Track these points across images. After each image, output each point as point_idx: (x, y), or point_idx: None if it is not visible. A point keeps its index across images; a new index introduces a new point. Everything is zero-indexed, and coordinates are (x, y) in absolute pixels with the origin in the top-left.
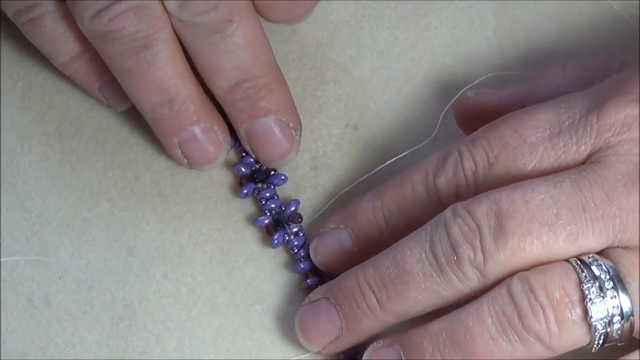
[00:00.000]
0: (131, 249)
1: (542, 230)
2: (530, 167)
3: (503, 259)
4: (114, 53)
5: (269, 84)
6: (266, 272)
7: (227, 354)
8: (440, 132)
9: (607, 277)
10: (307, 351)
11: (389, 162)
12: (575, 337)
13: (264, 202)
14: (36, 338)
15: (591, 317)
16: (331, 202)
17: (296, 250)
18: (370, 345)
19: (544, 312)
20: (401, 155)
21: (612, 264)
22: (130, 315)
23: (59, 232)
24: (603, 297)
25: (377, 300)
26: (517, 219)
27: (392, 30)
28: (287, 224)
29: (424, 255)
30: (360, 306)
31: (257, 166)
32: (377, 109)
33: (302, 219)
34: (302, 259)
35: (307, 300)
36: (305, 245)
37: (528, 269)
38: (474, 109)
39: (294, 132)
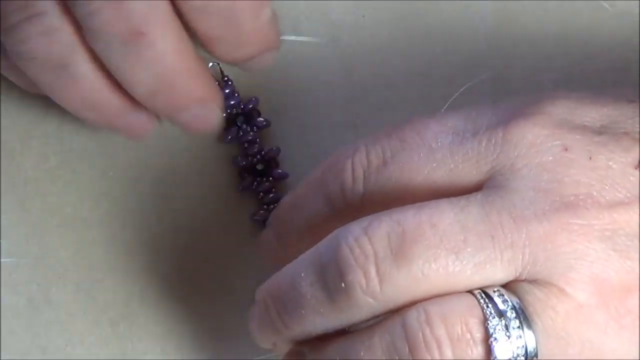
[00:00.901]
0: (131, 249)
1: (449, 257)
2: (425, 173)
3: (403, 284)
4: (30, 71)
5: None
6: (266, 272)
7: (227, 354)
8: None
9: (514, 314)
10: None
11: None
12: None
13: (262, 196)
14: (36, 338)
15: (495, 357)
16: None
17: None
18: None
19: (439, 347)
20: None
21: (518, 300)
22: (131, 315)
23: (59, 232)
24: (509, 337)
25: (281, 321)
26: (423, 243)
27: (392, 30)
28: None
29: (315, 279)
30: (271, 325)
31: (258, 157)
32: (377, 109)
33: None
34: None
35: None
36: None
37: (428, 298)
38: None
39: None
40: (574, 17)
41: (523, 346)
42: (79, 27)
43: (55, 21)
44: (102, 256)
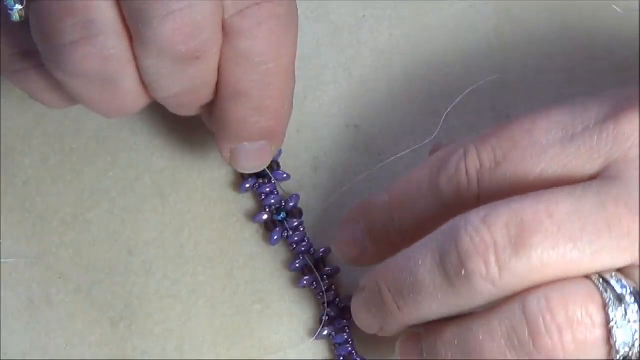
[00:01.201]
0: (131, 249)
1: (567, 246)
2: (538, 171)
3: (522, 272)
4: (74, 86)
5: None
6: (266, 272)
7: (227, 354)
8: (441, 132)
9: (632, 299)
10: (307, 349)
11: (389, 160)
12: (592, 356)
13: (263, 197)
14: (36, 338)
15: (615, 341)
16: (331, 201)
17: (295, 246)
18: (399, 340)
19: (560, 332)
20: (401, 154)
21: (635, 285)
22: (130, 315)
23: (59, 232)
24: (628, 322)
25: (396, 305)
26: (541, 232)
27: (392, 30)
28: (286, 219)
29: (434, 265)
30: (382, 309)
31: None
32: (377, 109)
33: (302, 214)
34: (301, 255)
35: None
36: (305, 241)
37: (547, 284)
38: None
39: (273, 152)
40: (575, 17)
41: None
42: (131, 41)
43: (114, 42)
44: (102, 256)
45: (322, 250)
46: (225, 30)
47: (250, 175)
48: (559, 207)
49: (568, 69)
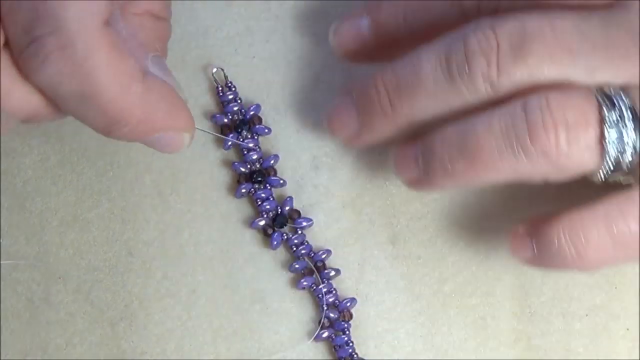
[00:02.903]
0: (131, 249)
1: (563, 55)
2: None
3: (519, 76)
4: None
5: None
6: (266, 272)
7: (227, 354)
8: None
9: (627, 109)
10: (307, 349)
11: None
12: (584, 158)
13: (259, 203)
14: (36, 338)
15: (606, 139)
16: (332, 201)
17: (295, 249)
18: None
19: (556, 129)
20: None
21: (630, 101)
22: (130, 315)
23: (59, 232)
24: (622, 127)
25: (389, 99)
26: (541, 41)
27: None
28: (284, 224)
29: (438, 63)
30: (374, 104)
31: (257, 166)
32: None
33: (300, 215)
34: (300, 257)
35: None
36: (305, 243)
37: (547, 87)
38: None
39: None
40: None
41: (635, 139)
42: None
43: None
44: (102, 256)
45: (322, 252)
46: (20, 69)
47: (246, 181)
48: (564, 22)
49: None
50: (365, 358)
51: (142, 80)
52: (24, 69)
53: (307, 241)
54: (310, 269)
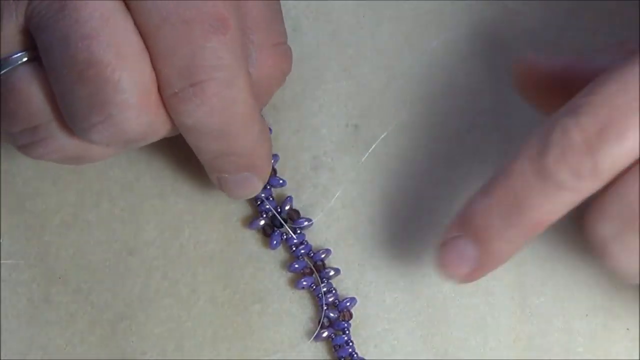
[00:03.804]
0: (131, 249)
1: None
2: None
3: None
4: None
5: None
6: (266, 272)
7: (227, 354)
8: (441, 131)
9: None
10: (307, 349)
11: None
12: None
13: (259, 203)
14: (36, 338)
15: None
16: (332, 201)
17: (294, 249)
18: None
19: None
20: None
21: None
22: (130, 315)
23: (59, 232)
24: None
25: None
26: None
27: (392, 30)
28: (283, 224)
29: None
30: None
31: None
32: (377, 109)
33: (299, 215)
34: (300, 257)
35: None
36: (304, 243)
37: None
38: (534, 73)
39: (259, 182)
40: (577, 17)
41: None
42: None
43: (61, 140)
44: (102, 256)
45: (321, 251)
46: (167, 106)
47: None
48: None
49: None
50: (365, 358)
51: (261, 121)
52: (173, 106)
53: (306, 241)
54: (310, 269)
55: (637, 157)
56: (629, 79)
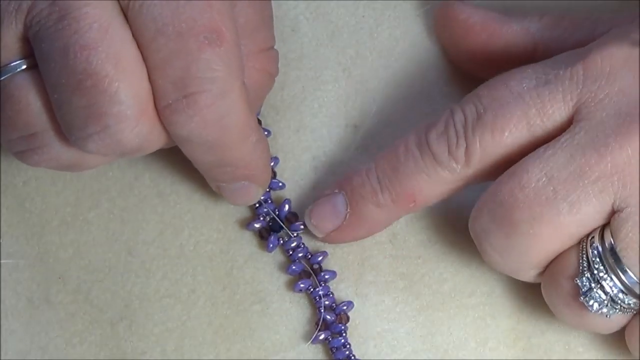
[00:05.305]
0: (131, 249)
1: (544, 209)
2: (518, 114)
3: (521, 249)
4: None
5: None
6: (266, 272)
7: (227, 354)
8: None
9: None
10: (307, 350)
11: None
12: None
13: (257, 206)
14: (36, 338)
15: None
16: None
17: (291, 252)
18: None
19: None
20: None
21: (611, 241)
22: (130, 315)
23: (59, 232)
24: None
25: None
26: (518, 207)
27: (392, 30)
28: (281, 228)
29: None
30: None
31: None
32: (377, 109)
33: (297, 218)
34: (297, 260)
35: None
36: (301, 246)
37: (547, 258)
38: (456, 20)
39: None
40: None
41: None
42: None
43: (57, 149)
44: (102, 256)
45: (318, 254)
46: (161, 117)
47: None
48: (530, 177)
49: None
50: (364, 358)
51: (257, 130)
52: (166, 117)
53: (303, 243)
54: (307, 272)
55: (511, 155)
56: (521, 85)
